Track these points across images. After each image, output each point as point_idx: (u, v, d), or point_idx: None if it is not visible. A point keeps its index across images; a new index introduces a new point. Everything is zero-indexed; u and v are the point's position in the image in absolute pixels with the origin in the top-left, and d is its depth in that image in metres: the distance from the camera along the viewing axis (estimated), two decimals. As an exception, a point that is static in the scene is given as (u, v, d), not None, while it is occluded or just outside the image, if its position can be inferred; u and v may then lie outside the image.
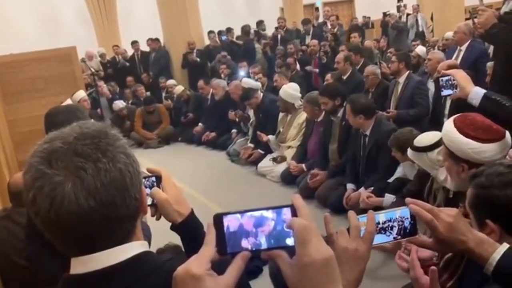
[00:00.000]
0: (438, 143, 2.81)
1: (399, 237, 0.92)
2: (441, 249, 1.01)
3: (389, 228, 0.92)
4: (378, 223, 0.91)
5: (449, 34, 7.72)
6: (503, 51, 3.11)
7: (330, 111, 4.64)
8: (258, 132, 5.91)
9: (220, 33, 10.64)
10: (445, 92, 2.12)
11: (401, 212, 0.93)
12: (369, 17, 12.96)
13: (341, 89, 4.83)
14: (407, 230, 0.93)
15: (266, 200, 4.55)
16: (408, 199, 0.95)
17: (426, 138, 2.89)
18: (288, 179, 5.21)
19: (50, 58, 5.84)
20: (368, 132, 4.08)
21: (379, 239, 0.92)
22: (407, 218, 0.93)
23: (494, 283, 1.05)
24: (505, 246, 1.00)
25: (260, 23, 10.94)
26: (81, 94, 5.49)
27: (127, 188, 0.81)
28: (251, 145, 6.30)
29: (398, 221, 0.92)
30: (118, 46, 10.96)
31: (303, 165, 5.10)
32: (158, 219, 1.20)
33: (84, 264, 0.81)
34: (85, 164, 0.77)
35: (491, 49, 4.68)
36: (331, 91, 4.63)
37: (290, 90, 5.54)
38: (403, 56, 5.34)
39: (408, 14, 12.60)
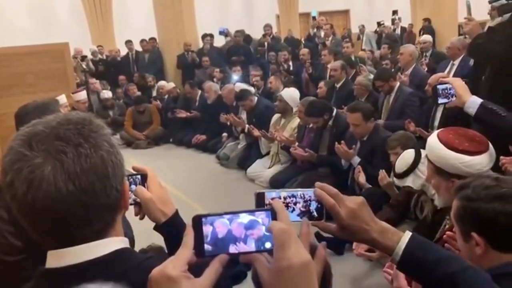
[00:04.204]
0: (415, 161, 2.87)
1: (306, 218, 0.88)
2: (344, 236, 0.96)
3: (293, 204, 0.88)
4: (279, 197, 0.88)
5: (425, 37, 7.89)
6: (490, 62, 3.12)
7: (322, 126, 4.74)
8: (251, 126, 5.89)
9: (216, 34, 10.63)
10: (441, 100, 2.10)
11: (306, 192, 0.90)
12: (363, 25, 13.11)
13: (325, 103, 4.92)
14: (314, 213, 0.90)
15: (253, 205, 4.53)
16: (317, 183, 0.92)
17: (403, 162, 2.93)
18: (276, 184, 5.19)
19: (42, 53, 5.81)
20: (365, 138, 4.13)
21: None
22: (315, 201, 0.90)
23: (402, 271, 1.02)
24: (408, 233, 0.97)
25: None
26: (82, 95, 5.46)
27: (108, 177, 0.79)
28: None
29: (304, 200, 0.89)
30: (102, 46, 10.99)
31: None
32: (141, 218, 1.19)
33: (60, 258, 0.79)
34: (65, 148, 0.76)
35: (471, 61, 4.72)
36: (318, 110, 4.68)
37: (293, 93, 5.60)
38: (385, 74, 5.25)
39: (402, 27, 12.74)
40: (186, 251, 0.70)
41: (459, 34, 8.88)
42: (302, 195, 0.89)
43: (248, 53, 9.94)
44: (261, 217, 0.74)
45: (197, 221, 0.73)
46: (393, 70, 6.40)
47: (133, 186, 1.15)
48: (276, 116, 5.79)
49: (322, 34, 9.65)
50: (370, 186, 3.78)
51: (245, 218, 0.74)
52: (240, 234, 0.73)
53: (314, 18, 11.50)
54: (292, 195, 0.88)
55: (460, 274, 0.93)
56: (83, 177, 0.76)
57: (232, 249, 0.73)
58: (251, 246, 0.73)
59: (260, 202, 0.87)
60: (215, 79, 8.60)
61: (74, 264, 0.78)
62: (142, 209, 1.16)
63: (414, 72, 5.81)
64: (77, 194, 0.75)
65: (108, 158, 0.80)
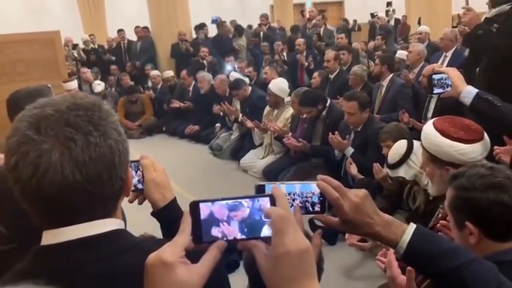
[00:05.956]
0: (407, 152, 2.87)
1: (305, 212, 0.86)
2: (346, 230, 0.94)
3: (291, 200, 0.86)
4: None
5: (423, 28, 7.89)
6: (490, 54, 3.08)
7: (315, 117, 4.72)
8: (244, 117, 5.87)
9: (209, 23, 10.57)
10: (436, 91, 2.09)
11: (303, 187, 0.87)
12: (356, 20, 13.09)
13: (319, 93, 4.92)
14: (315, 207, 0.88)
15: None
16: (319, 175, 0.90)
17: (395, 153, 2.93)
18: (269, 175, 5.19)
19: (33, 41, 5.72)
20: (359, 129, 4.12)
21: None
22: (316, 194, 0.88)
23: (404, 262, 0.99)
24: (412, 226, 0.95)
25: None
26: (73, 85, 5.39)
27: (115, 166, 0.79)
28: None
29: (301, 197, 0.87)
30: (94, 35, 10.88)
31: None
32: (140, 203, 1.19)
33: (55, 236, 0.78)
34: (75, 136, 0.74)
35: (466, 51, 4.70)
36: (312, 99, 4.66)
37: (281, 83, 5.56)
38: (385, 58, 5.34)
39: (396, 19, 12.73)
40: (183, 237, 0.70)
41: (453, 26, 8.89)
42: (300, 193, 0.87)
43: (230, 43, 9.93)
44: (261, 203, 0.74)
45: (195, 207, 0.73)
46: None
47: (134, 172, 1.15)
48: (268, 107, 5.77)
49: (311, 24, 9.61)
50: (362, 177, 3.78)
51: (229, 200, 0.73)
52: (222, 216, 0.73)
53: (302, 12, 11.49)
54: (290, 193, 0.86)
55: (465, 267, 0.92)
56: (90, 166, 0.75)
57: (215, 231, 0.72)
58: (234, 228, 0.72)
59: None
60: (204, 61, 8.58)
61: (70, 240, 0.77)
62: (141, 194, 1.16)
63: (422, 70, 5.79)
64: (83, 183, 0.74)
65: (116, 147, 0.79)
